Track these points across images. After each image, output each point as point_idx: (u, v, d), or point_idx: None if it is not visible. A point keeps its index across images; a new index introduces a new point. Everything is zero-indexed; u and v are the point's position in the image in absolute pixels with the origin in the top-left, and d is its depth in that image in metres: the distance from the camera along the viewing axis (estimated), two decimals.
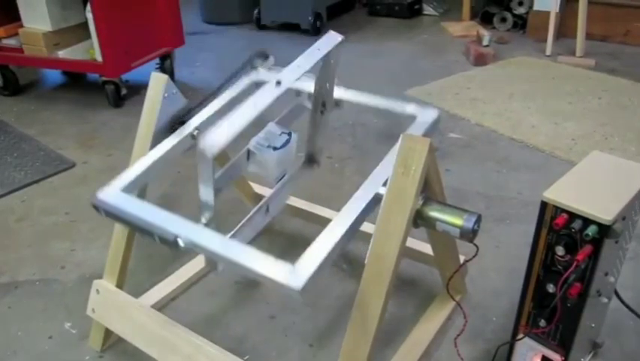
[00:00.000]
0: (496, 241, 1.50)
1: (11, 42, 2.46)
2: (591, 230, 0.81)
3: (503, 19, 3.40)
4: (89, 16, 2.23)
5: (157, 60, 2.63)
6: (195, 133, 1.08)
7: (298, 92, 1.18)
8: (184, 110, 1.11)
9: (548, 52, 2.94)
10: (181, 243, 0.84)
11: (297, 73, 0.92)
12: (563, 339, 0.93)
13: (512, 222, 1.58)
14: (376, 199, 0.86)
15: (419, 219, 0.85)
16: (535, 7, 3.22)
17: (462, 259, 1.15)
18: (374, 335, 0.84)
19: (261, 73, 1.17)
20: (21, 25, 2.39)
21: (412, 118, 1.02)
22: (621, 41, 3.11)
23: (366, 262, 0.84)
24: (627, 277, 1.33)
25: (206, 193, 0.93)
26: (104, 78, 2.36)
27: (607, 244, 0.83)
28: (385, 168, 0.88)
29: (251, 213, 1.11)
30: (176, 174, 1.80)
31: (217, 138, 0.80)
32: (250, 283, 1.37)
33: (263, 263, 0.78)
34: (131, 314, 1.10)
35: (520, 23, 3.34)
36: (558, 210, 0.84)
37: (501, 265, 1.40)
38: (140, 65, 2.43)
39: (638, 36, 3.07)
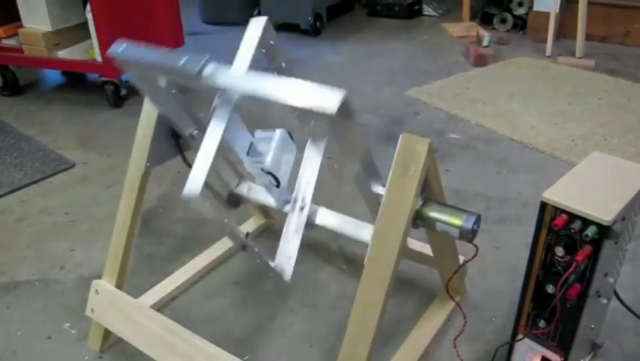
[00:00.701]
0: (495, 241, 1.50)
1: (11, 42, 2.46)
2: (591, 231, 0.81)
3: (503, 20, 3.40)
4: (89, 16, 2.23)
5: None
6: (195, 133, 1.08)
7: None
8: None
9: (548, 53, 2.95)
10: (207, 72, 0.79)
11: (242, 80, 0.84)
12: (562, 340, 0.93)
13: (512, 223, 1.58)
14: (376, 200, 0.86)
15: (419, 219, 0.85)
16: (535, 8, 3.22)
17: (461, 259, 1.15)
18: (374, 335, 0.84)
19: None
20: (21, 26, 2.39)
21: None
22: (621, 42, 3.11)
23: (365, 262, 0.84)
24: (627, 277, 1.33)
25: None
26: (103, 78, 2.36)
27: (606, 245, 0.83)
28: None
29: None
30: (176, 174, 1.80)
31: (193, 186, 0.81)
32: (250, 284, 1.37)
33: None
34: (131, 314, 1.10)
35: (520, 24, 3.34)
36: (558, 210, 0.84)
37: (501, 266, 1.40)
38: None
39: (638, 37, 3.07)
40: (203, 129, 1.10)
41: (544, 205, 0.86)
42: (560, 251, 0.85)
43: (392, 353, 1.12)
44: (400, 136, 0.82)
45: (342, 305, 1.29)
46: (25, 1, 2.33)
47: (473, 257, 0.93)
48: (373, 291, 0.83)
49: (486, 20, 3.48)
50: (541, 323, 0.92)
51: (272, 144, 0.97)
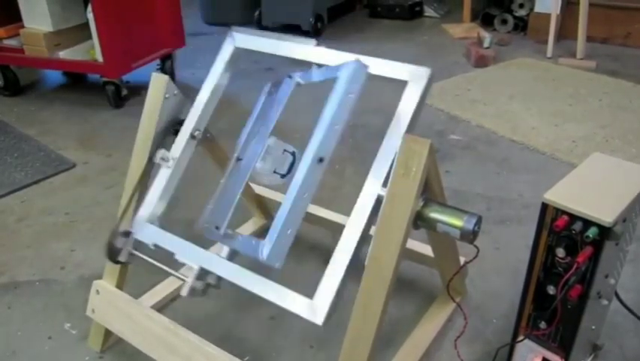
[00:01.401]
0: (496, 242, 1.50)
1: (12, 42, 2.46)
2: (592, 232, 0.81)
3: (504, 21, 3.40)
4: (90, 16, 2.24)
5: (158, 61, 2.63)
6: (196, 133, 1.08)
7: None
8: (184, 111, 1.11)
9: (549, 54, 2.95)
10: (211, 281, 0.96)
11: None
12: (563, 341, 0.93)
13: (512, 224, 1.58)
14: (377, 201, 0.86)
15: (419, 220, 0.85)
16: (536, 9, 3.22)
17: (462, 260, 1.15)
18: (374, 336, 0.84)
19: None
20: (22, 26, 2.39)
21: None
22: (622, 43, 3.11)
23: (366, 263, 0.84)
24: (627, 279, 1.33)
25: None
26: (104, 79, 2.36)
27: (607, 246, 0.83)
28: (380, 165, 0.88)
29: None
30: None
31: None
32: None
33: (284, 296, 0.89)
34: (131, 315, 1.10)
35: (521, 25, 3.35)
36: (559, 211, 0.84)
37: (501, 267, 1.40)
38: (140, 66, 2.43)
39: (639, 38, 3.07)
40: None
41: (545, 206, 0.86)
42: (560, 252, 0.85)
43: (393, 354, 1.12)
44: (401, 137, 0.82)
45: (343, 306, 1.29)
46: (26, 1, 2.34)
47: (474, 258, 0.93)
48: (374, 292, 0.83)
49: (487, 21, 3.48)
50: (542, 324, 0.92)
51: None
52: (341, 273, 0.85)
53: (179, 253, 1.00)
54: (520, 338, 0.98)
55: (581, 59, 2.88)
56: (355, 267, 0.85)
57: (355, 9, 4.04)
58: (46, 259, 1.49)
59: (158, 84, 1.08)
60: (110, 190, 1.80)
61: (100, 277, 1.17)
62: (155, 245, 1.04)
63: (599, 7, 3.03)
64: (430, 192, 0.88)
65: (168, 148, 1.09)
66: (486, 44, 3.05)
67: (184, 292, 0.96)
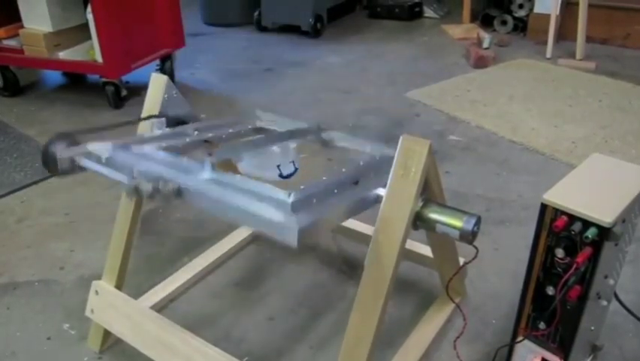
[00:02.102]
0: (495, 243, 1.50)
1: (12, 43, 2.46)
2: (591, 232, 0.81)
3: (504, 22, 3.40)
4: (90, 17, 2.24)
5: (157, 61, 2.63)
6: (195, 134, 1.09)
7: None
8: (184, 112, 1.12)
9: (549, 54, 2.95)
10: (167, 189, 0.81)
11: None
12: (562, 342, 0.93)
13: (512, 225, 1.58)
14: (376, 200, 0.86)
15: (419, 221, 0.85)
16: (536, 10, 3.22)
17: (461, 261, 1.15)
18: (374, 336, 0.84)
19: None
20: (21, 26, 2.39)
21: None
22: (621, 44, 3.12)
23: (365, 263, 0.84)
24: (627, 279, 1.33)
25: None
26: (104, 79, 2.36)
27: (607, 247, 0.83)
28: None
29: None
30: None
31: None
32: (250, 285, 1.37)
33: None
34: (131, 315, 1.10)
35: (521, 26, 3.35)
36: (558, 212, 0.84)
37: (501, 268, 1.40)
38: (140, 67, 2.43)
39: (639, 39, 3.07)
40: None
41: (544, 207, 0.86)
42: (560, 253, 0.85)
43: (392, 355, 1.12)
44: (400, 137, 0.82)
45: (342, 307, 1.29)
46: (25, 1, 2.34)
47: (473, 259, 0.93)
48: (373, 292, 0.83)
49: (486, 22, 3.48)
50: (541, 325, 0.92)
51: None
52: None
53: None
54: (520, 338, 0.98)
55: (581, 59, 2.88)
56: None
57: (355, 9, 4.04)
58: (46, 259, 1.49)
59: (157, 84, 1.08)
60: (109, 191, 1.80)
61: (99, 278, 1.17)
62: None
63: (598, 8, 3.03)
64: (429, 192, 0.88)
65: None
66: (485, 45, 3.05)
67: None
